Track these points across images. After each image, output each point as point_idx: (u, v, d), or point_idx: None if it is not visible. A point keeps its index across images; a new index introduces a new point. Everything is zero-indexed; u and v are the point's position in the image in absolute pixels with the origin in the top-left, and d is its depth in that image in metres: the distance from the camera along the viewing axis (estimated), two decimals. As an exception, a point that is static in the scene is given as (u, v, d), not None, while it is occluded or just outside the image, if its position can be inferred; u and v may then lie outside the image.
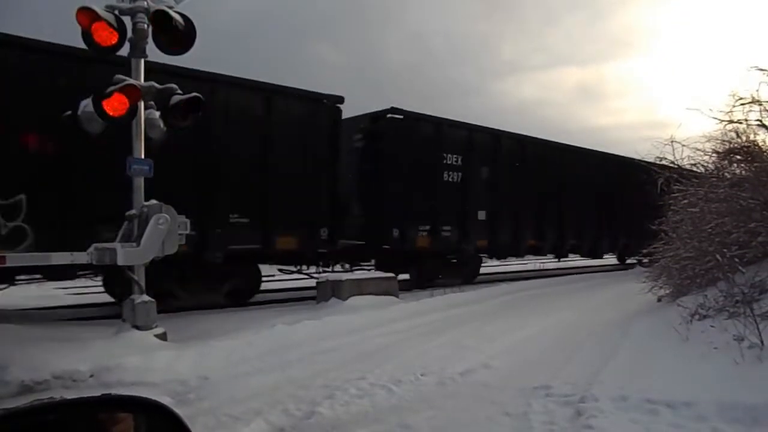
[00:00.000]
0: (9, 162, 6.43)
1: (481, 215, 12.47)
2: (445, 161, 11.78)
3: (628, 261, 18.20)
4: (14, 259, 5.65)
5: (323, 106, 9.66)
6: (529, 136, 13.90)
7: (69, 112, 6.10)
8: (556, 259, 16.43)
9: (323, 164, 9.57)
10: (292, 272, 10.35)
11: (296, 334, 6.29)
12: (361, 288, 9.05)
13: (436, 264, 12.39)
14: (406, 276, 11.89)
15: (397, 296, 9.52)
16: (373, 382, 4.62)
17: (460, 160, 11.99)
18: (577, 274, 15.89)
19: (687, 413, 3.43)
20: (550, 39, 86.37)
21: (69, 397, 1.02)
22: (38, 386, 4.45)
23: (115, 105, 5.63)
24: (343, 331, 6.65)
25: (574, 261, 19.74)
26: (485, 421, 3.72)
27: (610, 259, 19.34)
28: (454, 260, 12.74)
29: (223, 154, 8.33)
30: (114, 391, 4.08)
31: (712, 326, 5.20)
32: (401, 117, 11.08)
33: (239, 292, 9.23)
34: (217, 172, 8.29)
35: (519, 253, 14.38)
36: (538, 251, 14.81)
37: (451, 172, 11.90)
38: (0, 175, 6.35)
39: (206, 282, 8.72)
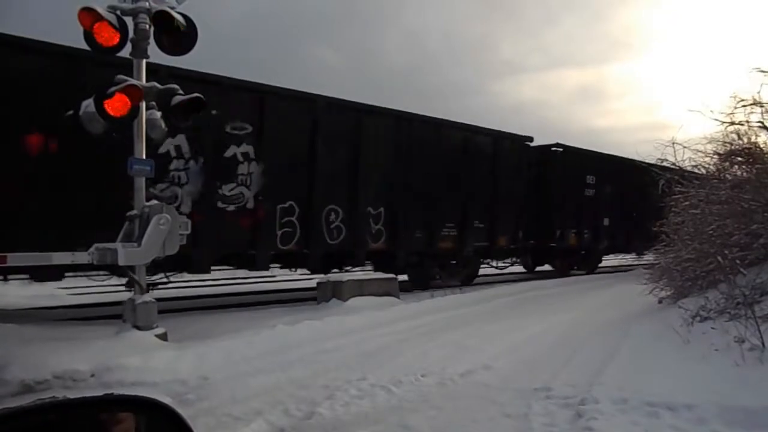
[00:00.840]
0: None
1: (606, 222, 16.37)
2: (586, 181, 15.70)
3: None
4: (15, 258, 5.66)
5: (522, 144, 13.79)
6: (636, 160, 16.80)
7: (71, 112, 6.12)
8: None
9: (521, 184, 13.51)
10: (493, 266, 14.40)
11: (297, 335, 6.29)
12: (361, 288, 9.06)
13: (577, 258, 16.34)
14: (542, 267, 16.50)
15: (397, 297, 9.52)
16: (373, 382, 4.62)
17: (594, 179, 15.87)
18: (577, 275, 15.87)
19: (687, 415, 3.43)
20: (549, 39, 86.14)
21: (70, 396, 1.02)
22: (39, 386, 4.45)
23: (116, 105, 5.64)
24: (343, 332, 6.65)
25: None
26: (486, 422, 3.72)
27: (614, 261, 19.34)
28: (585, 255, 16.57)
29: (469, 180, 12.08)
30: (114, 391, 4.09)
31: (713, 328, 5.20)
32: (562, 150, 15.01)
33: (469, 277, 12.97)
34: (470, 192, 12.13)
35: (629, 251, 17.81)
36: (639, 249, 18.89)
37: (588, 189, 15.80)
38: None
39: (456, 268, 12.42)
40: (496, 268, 14.40)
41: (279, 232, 9.05)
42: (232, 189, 8.47)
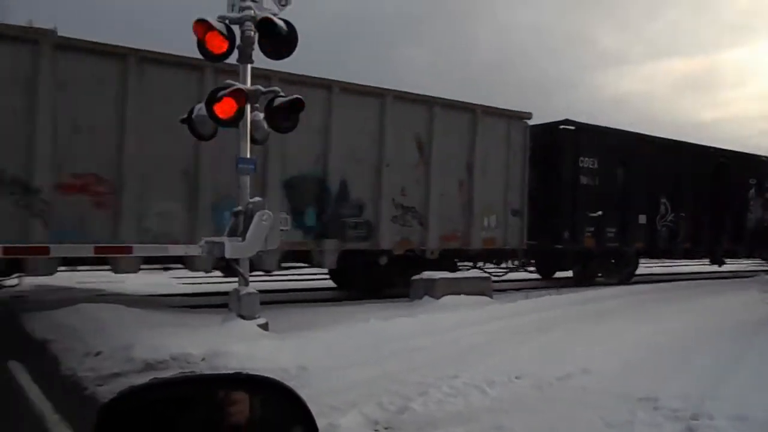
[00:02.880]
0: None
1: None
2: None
3: None
4: (140, 249, 6.27)
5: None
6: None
7: (184, 116, 6.63)
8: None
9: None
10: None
11: (390, 330, 6.38)
12: (454, 287, 9.02)
13: None
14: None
15: (491, 297, 9.37)
16: (466, 381, 4.58)
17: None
18: (686, 280, 14.71)
19: (821, 438, 3.07)
20: (651, 30, 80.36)
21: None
22: (159, 365, 4.88)
23: (225, 108, 6.04)
24: (436, 329, 6.66)
25: (684, 266, 18.33)
26: (585, 430, 3.56)
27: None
28: None
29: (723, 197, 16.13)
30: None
31: None
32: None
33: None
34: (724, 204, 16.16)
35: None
36: None
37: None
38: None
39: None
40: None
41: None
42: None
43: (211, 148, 7.46)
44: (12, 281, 8.08)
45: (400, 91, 10.10)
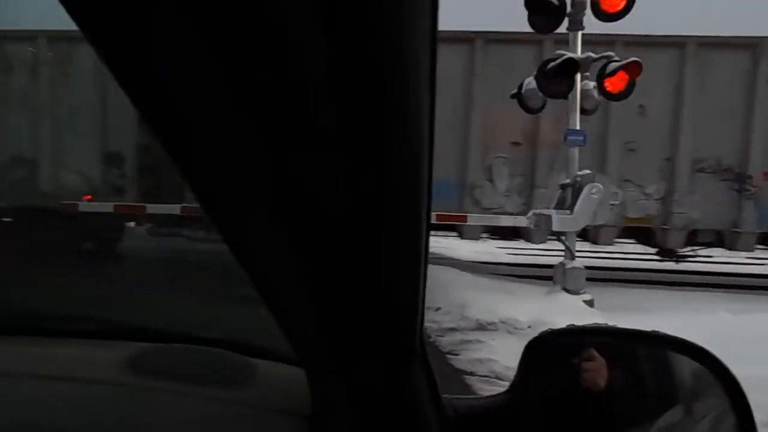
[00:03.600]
0: None
1: None
2: None
3: None
4: (473, 218, 6.87)
5: None
6: None
7: (515, 91, 6.83)
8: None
9: None
10: None
11: (747, 327, 5.38)
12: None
13: None
14: None
15: None
16: None
17: None
18: None
19: None
20: None
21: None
22: (489, 326, 5.29)
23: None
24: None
25: None
26: None
27: None
28: None
29: None
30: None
31: None
32: None
33: None
34: None
35: None
36: None
37: None
38: None
39: None
40: None
41: None
42: None
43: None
44: None
45: None
